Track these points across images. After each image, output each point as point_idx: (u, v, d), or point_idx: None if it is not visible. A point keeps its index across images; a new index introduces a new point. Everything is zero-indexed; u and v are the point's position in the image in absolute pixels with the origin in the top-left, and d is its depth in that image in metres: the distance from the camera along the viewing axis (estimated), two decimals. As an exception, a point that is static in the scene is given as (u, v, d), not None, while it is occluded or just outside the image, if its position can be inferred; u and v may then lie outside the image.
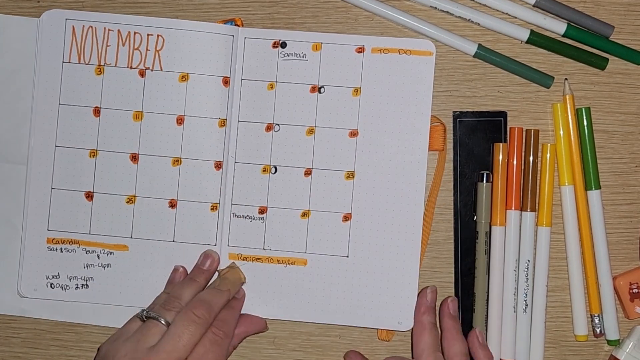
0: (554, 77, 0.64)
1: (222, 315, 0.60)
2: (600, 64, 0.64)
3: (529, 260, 0.63)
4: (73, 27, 0.63)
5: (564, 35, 0.64)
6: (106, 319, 0.64)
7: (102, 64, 0.64)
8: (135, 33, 0.63)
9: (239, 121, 0.63)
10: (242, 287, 0.64)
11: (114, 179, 0.63)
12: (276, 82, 0.63)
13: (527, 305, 0.63)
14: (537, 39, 0.63)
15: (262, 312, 0.64)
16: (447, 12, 0.63)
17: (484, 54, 0.63)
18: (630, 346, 0.62)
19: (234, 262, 0.64)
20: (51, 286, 0.64)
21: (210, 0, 0.65)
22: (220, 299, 0.60)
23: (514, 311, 0.63)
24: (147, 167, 0.64)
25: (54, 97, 0.64)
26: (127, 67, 0.64)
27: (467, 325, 0.63)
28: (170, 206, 0.64)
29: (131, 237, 0.64)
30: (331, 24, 0.64)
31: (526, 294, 0.63)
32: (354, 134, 0.63)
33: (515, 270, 0.63)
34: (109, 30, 0.63)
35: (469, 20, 0.63)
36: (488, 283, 0.63)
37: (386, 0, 0.64)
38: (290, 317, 0.64)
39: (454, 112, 0.64)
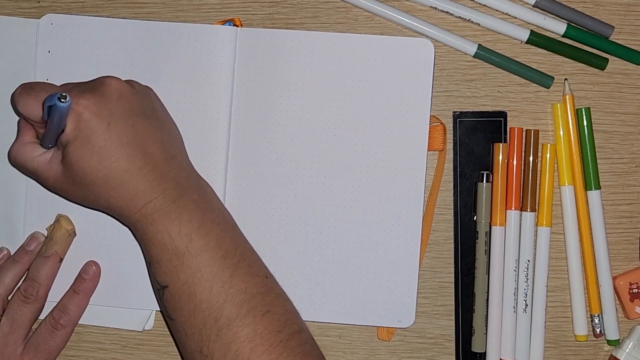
0: (554, 77, 0.64)
1: (64, 302, 0.62)
2: (600, 64, 0.64)
3: (529, 260, 0.63)
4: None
5: (563, 36, 0.64)
6: (106, 319, 0.64)
7: (101, 65, 0.64)
8: (133, 38, 0.63)
9: (238, 122, 0.63)
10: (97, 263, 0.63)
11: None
12: (276, 82, 0.63)
13: (527, 305, 0.63)
14: (537, 39, 0.63)
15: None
16: (447, 12, 0.63)
17: (484, 54, 0.63)
18: (630, 346, 0.62)
19: (59, 215, 0.63)
20: (51, 286, 0.64)
21: (210, 0, 0.65)
22: (45, 269, 0.61)
23: (514, 311, 0.63)
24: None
25: (54, 98, 0.64)
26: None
27: (467, 325, 0.63)
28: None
29: (130, 237, 0.63)
30: (331, 24, 0.64)
31: (526, 294, 0.63)
32: (353, 133, 0.63)
33: (515, 270, 0.63)
34: (107, 34, 0.63)
35: (469, 20, 0.63)
36: (488, 283, 0.63)
37: (386, 1, 0.64)
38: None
39: (454, 112, 0.64)
